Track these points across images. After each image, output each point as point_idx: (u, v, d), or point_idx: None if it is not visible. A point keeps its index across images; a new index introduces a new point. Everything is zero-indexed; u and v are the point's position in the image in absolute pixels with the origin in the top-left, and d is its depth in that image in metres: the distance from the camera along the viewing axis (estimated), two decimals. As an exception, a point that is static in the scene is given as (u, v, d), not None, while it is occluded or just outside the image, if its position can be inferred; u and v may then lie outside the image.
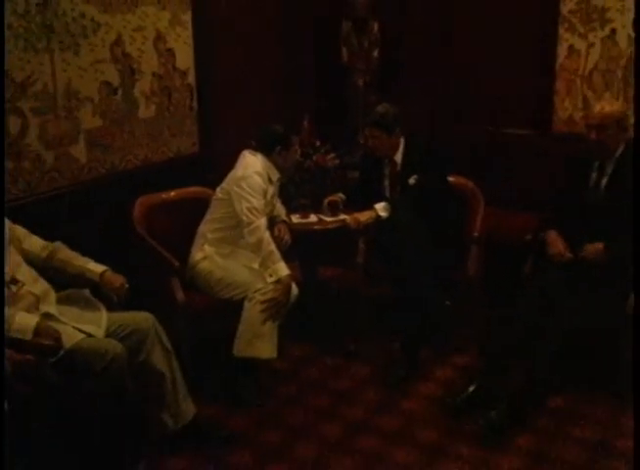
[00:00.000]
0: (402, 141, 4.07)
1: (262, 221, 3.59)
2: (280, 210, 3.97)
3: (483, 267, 4.01)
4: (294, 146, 3.82)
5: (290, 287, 3.56)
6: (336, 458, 3.15)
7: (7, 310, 2.75)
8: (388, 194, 4.14)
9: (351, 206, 4.24)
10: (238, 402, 3.55)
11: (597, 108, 3.55)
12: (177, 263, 3.58)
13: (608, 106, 3.52)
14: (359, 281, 4.10)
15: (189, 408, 3.17)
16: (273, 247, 3.56)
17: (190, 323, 3.57)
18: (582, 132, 4.40)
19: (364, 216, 3.95)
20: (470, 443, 3.24)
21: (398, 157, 4.10)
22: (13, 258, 2.97)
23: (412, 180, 4.01)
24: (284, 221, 3.94)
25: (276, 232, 3.79)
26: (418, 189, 3.98)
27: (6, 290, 2.85)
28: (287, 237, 3.86)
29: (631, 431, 3.21)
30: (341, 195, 4.27)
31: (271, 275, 3.51)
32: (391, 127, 3.99)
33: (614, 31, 4.36)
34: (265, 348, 3.52)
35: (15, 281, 2.91)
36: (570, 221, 3.62)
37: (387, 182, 4.15)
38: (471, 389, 3.45)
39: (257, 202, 3.59)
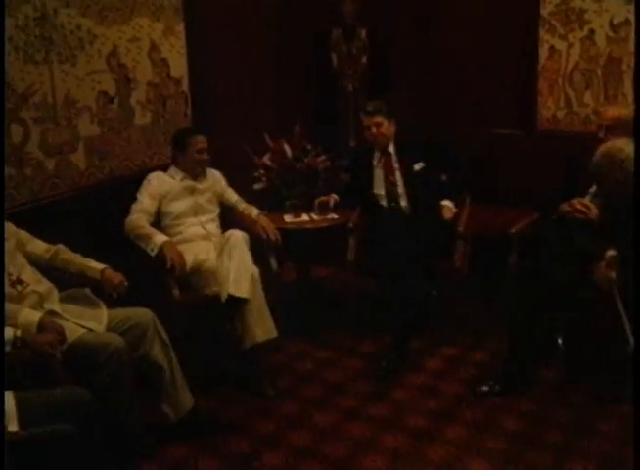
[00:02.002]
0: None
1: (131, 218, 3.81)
2: (249, 208, 4.19)
3: (472, 260, 4.16)
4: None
5: (174, 250, 3.67)
6: (329, 445, 3.28)
7: (13, 308, 2.90)
8: (382, 184, 4.30)
9: (344, 205, 4.41)
10: (248, 391, 3.71)
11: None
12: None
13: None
14: (351, 278, 4.24)
15: (187, 400, 3.30)
16: (140, 230, 3.75)
17: (186, 318, 3.70)
18: (565, 130, 4.69)
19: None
20: (457, 427, 3.37)
21: (391, 148, 4.28)
22: (18, 261, 3.13)
23: (417, 167, 4.23)
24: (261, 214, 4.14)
25: (260, 224, 4.02)
26: (423, 175, 4.21)
27: (12, 289, 3.01)
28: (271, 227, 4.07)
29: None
30: (334, 195, 4.43)
31: (152, 249, 3.67)
32: (390, 115, 4.23)
33: (592, 32, 4.50)
34: (271, 327, 3.66)
35: (20, 281, 3.06)
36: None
37: (380, 173, 4.31)
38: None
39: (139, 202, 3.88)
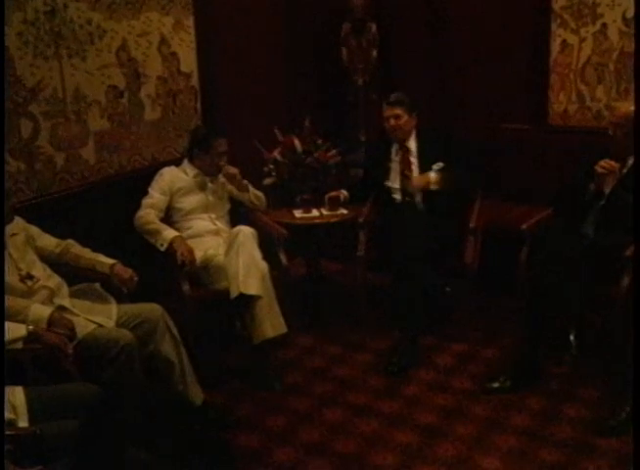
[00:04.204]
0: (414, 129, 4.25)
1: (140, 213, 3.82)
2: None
3: (483, 256, 4.14)
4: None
5: (184, 245, 3.67)
6: (339, 441, 3.28)
7: (23, 303, 2.90)
8: (397, 178, 4.27)
9: (356, 199, 4.39)
10: (257, 386, 3.73)
11: (622, 107, 3.70)
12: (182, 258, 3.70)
13: (630, 106, 3.61)
14: (361, 273, 4.22)
15: (197, 395, 3.31)
16: (150, 225, 3.75)
17: (196, 313, 3.68)
18: (577, 125, 4.66)
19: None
20: (467, 424, 3.37)
21: (411, 144, 4.26)
22: (28, 256, 3.13)
23: (436, 167, 4.17)
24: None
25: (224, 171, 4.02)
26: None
27: (22, 285, 3.02)
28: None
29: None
30: (344, 191, 4.42)
31: (162, 244, 3.67)
32: (412, 109, 4.20)
33: (605, 26, 4.45)
34: (281, 322, 3.66)
35: (30, 276, 3.07)
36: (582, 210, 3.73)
37: (396, 166, 4.27)
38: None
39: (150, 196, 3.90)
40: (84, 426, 2.42)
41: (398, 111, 4.18)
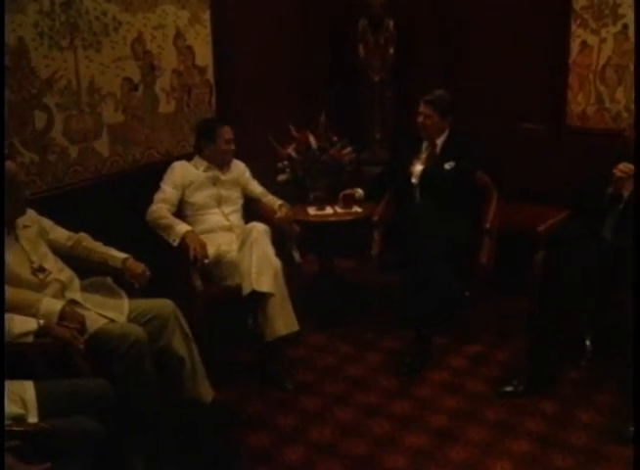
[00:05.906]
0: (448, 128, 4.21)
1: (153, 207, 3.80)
2: (273, 200, 4.14)
3: (498, 258, 4.09)
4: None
5: (196, 238, 3.64)
6: (349, 441, 3.25)
7: (34, 296, 2.87)
8: (419, 174, 4.18)
9: (371, 198, 4.35)
10: (268, 384, 3.70)
11: None
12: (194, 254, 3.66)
13: None
14: (374, 272, 4.18)
15: (208, 392, 3.27)
16: (162, 220, 3.73)
17: (208, 310, 3.65)
18: (595, 126, 4.60)
19: None
20: (479, 427, 3.33)
21: (440, 141, 4.20)
22: (40, 248, 3.10)
23: (448, 166, 4.11)
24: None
25: (279, 214, 3.98)
26: (453, 174, 4.09)
27: (34, 278, 2.98)
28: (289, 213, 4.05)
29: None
30: (359, 190, 4.38)
31: (174, 240, 3.65)
32: (445, 112, 4.14)
33: (625, 27, 4.40)
34: (293, 320, 3.63)
35: (42, 269, 3.03)
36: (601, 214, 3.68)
37: (419, 163, 4.21)
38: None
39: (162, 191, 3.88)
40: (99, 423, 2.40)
41: (429, 110, 4.12)
